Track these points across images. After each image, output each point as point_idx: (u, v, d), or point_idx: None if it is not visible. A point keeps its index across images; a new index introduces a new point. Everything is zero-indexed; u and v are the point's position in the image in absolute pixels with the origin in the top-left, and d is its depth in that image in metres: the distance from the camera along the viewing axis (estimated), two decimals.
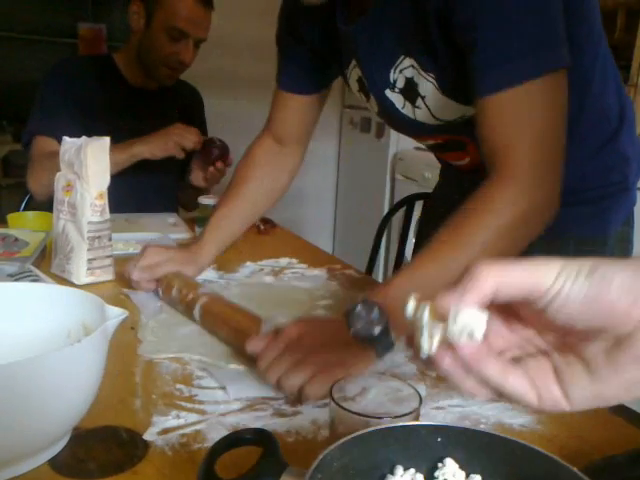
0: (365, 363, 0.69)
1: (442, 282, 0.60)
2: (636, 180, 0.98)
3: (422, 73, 0.84)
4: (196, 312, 0.87)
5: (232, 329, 0.80)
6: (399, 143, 3.27)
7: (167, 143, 1.45)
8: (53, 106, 1.54)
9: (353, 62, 0.95)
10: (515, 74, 0.70)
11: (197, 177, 1.63)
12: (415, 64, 0.84)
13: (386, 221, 1.82)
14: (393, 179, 3.35)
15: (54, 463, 0.56)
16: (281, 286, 1.09)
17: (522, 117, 0.72)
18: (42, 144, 1.51)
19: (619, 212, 0.98)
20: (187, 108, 1.76)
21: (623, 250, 0.99)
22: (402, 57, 0.86)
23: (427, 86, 0.85)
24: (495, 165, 0.74)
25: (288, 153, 1.16)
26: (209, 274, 1.12)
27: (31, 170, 1.53)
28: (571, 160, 0.88)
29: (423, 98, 0.87)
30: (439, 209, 1.20)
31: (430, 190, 1.36)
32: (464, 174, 1.05)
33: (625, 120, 0.94)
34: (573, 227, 0.94)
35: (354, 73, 0.97)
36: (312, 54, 1.03)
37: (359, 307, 0.60)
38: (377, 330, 0.59)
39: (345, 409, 0.51)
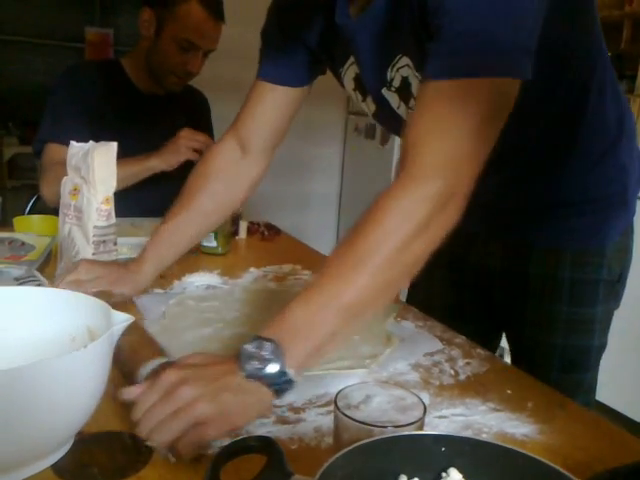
0: (258, 407, 0.60)
1: (340, 305, 0.62)
2: (635, 191, 0.97)
3: (415, 73, 0.82)
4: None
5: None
6: None
7: (179, 149, 1.45)
8: (63, 113, 1.54)
9: (350, 60, 0.94)
10: (460, 68, 0.66)
11: None
12: (410, 63, 0.82)
13: None
14: None
15: (57, 468, 0.56)
16: (284, 292, 1.09)
17: (452, 111, 0.67)
18: (54, 151, 1.52)
19: (618, 223, 0.97)
20: (194, 113, 1.76)
21: (621, 260, 0.98)
22: (400, 55, 0.84)
23: (418, 86, 0.81)
24: (409, 154, 0.68)
25: (250, 162, 1.06)
26: (213, 279, 1.12)
27: (44, 178, 1.53)
28: (571, 171, 0.88)
29: (415, 99, 0.83)
30: None
31: None
32: None
33: (624, 131, 0.93)
34: (571, 238, 0.94)
35: (350, 71, 0.95)
36: (301, 50, 1.00)
37: (250, 346, 0.56)
38: (272, 368, 0.56)
39: (350, 417, 0.51)
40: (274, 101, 1.03)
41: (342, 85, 1.01)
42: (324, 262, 0.66)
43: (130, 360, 0.70)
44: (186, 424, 0.54)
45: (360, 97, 0.98)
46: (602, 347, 1.02)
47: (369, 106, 0.98)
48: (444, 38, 0.67)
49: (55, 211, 1.11)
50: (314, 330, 0.62)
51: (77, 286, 0.88)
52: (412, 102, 0.86)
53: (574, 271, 0.95)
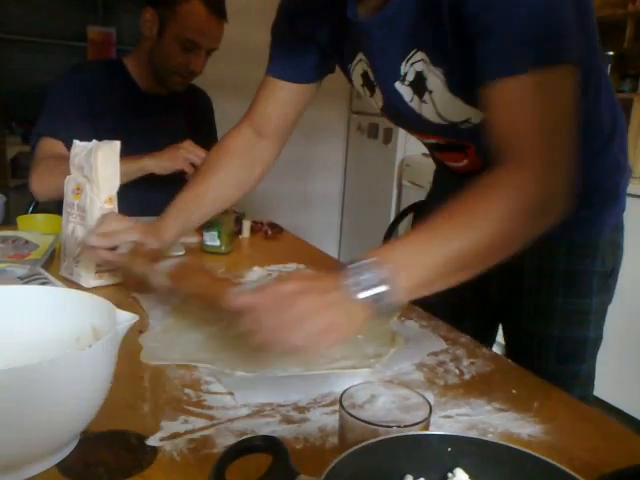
0: (359, 324, 0.65)
1: (450, 253, 0.67)
2: (626, 187, 1.00)
3: (431, 67, 0.84)
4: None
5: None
6: (406, 149, 3.27)
7: (176, 158, 1.45)
8: (61, 109, 1.54)
9: (358, 57, 0.95)
10: (519, 63, 0.69)
11: None
12: (426, 58, 0.84)
13: (393, 228, 1.82)
14: (400, 185, 3.35)
15: (63, 467, 0.56)
16: None
17: (527, 106, 0.71)
18: (47, 146, 1.52)
19: (610, 218, 1.00)
20: (197, 113, 1.76)
21: (614, 255, 1.01)
22: (414, 50, 0.86)
23: (435, 81, 0.85)
24: (503, 153, 0.72)
25: (265, 147, 1.12)
26: None
27: (35, 171, 1.52)
28: None
29: (430, 93, 0.87)
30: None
31: None
32: (460, 178, 1.02)
33: (617, 129, 0.96)
34: (566, 231, 0.90)
35: (359, 68, 0.97)
36: (311, 47, 1.02)
37: (361, 266, 0.61)
38: (379, 289, 0.61)
39: (355, 417, 0.51)
40: (284, 97, 1.07)
41: (349, 80, 1.02)
42: (430, 219, 0.69)
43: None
44: (310, 330, 0.60)
45: (368, 93, 0.99)
46: (598, 339, 1.04)
47: (377, 101, 0.99)
48: (491, 38, 0.69)
49: (58, 210, 1.11)
50: (422, 267, 0.67)
51: (111, 237, 0.96)
52: (426, 96, 0.88)
53: (569, 263, 0.98)
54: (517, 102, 0.71)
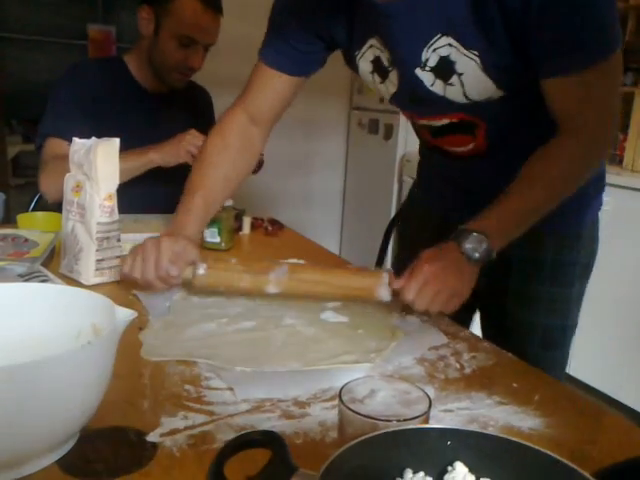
0: (474, 282, 0.91)
1: (531, 215, 0.92)
2: (603, 183, 1.12)
3: (463, 51, 0.87)
4: (279, 274, 0.92)
5: (344, 278, 0.94)
6: (407, 145, 3.26)
7: (179, 150, 1.44)
8: (66, 108, 1.54)
9: (370, 42, 0.96)
10: (575, 65, 0.83)
11: None
12: (454, 42, 0.87)
13: (394, 223, 1.82)
14: (401, 181, 3.34)
15: (63, 464, 0.56)
16: None
17: (582, 94, 0.87)
18: (54, 146, 1.52)
19: (591, 212, 1.11)
20: (197, 109, 1.76)
21: (591, 247, 1.12)
22: (439, 36, 0.88)
23: (467, 63, 0.88)
24: (565, 126, 0.90)
25: (257, 134, 1.14)
26: None
27: (43, 172, 1.53)
28: None
29: (460, 75, 0.90)
30: (418, 209, 1.28)
31: None
32: (457, 164, 1.09)
33: None
34: (554, 223, 1.00)
35: (369, 54, 0.98)
36: (310, 38, 1.03)
37: (471, 239, 0.87)
38: (486, 253, 0.88)
39: (354, 411, 0.50)
40: (277, 87, 1.08)
41: (353, 69, 1.03)
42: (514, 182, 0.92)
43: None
44: (444, 299, 0.86)
45: (378, 79, 1.01)
46: (575, 327, 1.14)
47: (388, 87, 1.01)
48: (548, 39, 0.81)
49: (59, 208, 1.11)
50: (509, 227, 0.91)
51: (180, 258, 0.95)
52: (454, 79, 0.91)
53: (555, 253, 1.07)
54: (573, 93, 0.87)
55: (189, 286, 0.96)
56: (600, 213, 1.14)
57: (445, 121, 1.02)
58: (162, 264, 0.92)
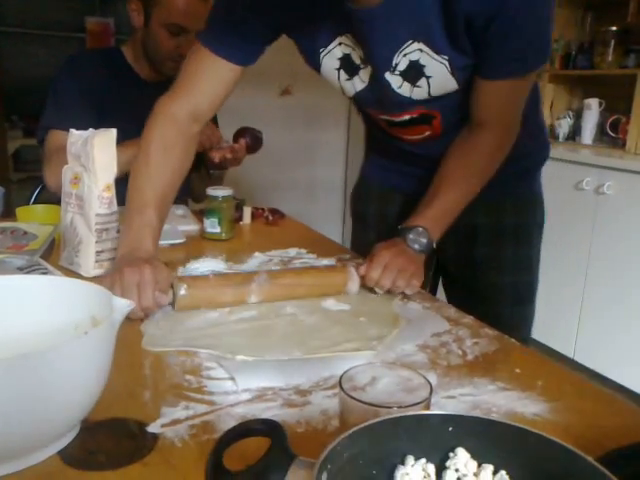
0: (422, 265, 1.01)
1: (453, 206, 1.02)
2: (547, 158, 1.24)
3: (433, 55, 0.92)
4: (259, 282, 0.93)
5: (318, 277, 0.98)
6: None
7: None
8: (67, 100, 1.53)
9: (338, 40, 0.97)
10: (518, 70, 0.94)
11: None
12: (424, 47, 0.91)
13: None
14: None
15: (64, 455, 0.56)
16: None
17: (507, 96, 0.99)
18: (57, 138, 1.51)
19: (539, 177, 1.24)
20: None
21: (542, 208, 1.25)
22: (410, 42, 0.92)
23: (437, 67, 0.93)
24: (481, 122, 1.02)
25: (196, 133, 1.08)
26: (218, 265, 1.11)
27: (47, 165, 1.52)
28: None
29: (428, 78, 0.95)
30: (374, 189, 1.35)
31: None
32: (406, 147, 1.18)
33: (538, 99, 1.20)
34: (511, 188, 1.17)
35: (337, 51, 0.99)
36: (265, 29, 1.00)
37: (413, 233, 0.99)
38: (427, 244, 1.00)
39: (355, 399, 0.50)
40: (225, 78, 1.03)
41: (312, 64, 1.03)
42: (440, 178, 1.04)
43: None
44: (407, 277, 0.95)
45: (345, 76, 1.03)
46: (537, 281, 1.26)
47: (355, 84, 1.03)
48: (504, 45, 0.89)
49: (58, 201, 1.10)
50: (443, 219, 1.02)
51: (161, 287, 0.86)
52: (422, 81, 0.96)
53: (516, 217, 1.18)
54: (502, 93, 0.98)
55: (171, 307, 0.90)
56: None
57: (406, 117, 1.07)
58: (148, 294, 0.83)
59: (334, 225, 4.00)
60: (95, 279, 0.89)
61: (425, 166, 1.18)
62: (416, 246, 0.99)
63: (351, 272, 0.98)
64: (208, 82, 1.03)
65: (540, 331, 2.86)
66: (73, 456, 0.56)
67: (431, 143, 1.12)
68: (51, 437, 0.55)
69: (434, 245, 1.01)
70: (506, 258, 1.20)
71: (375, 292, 0.98)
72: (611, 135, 2.92)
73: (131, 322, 0.81)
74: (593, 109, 2.96)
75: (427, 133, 1.10)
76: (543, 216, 1.26)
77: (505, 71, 0.94)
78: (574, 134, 3.12)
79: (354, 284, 0.98)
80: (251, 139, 1.57)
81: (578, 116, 3.10)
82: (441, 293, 1.35)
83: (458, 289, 1.28)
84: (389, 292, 0.97)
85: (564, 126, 3.13)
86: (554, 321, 2.79)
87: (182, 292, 0.89)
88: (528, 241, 1.23)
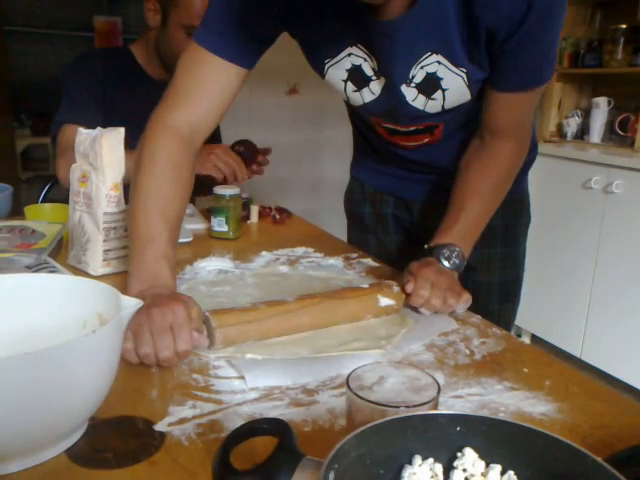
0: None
1: (479, 221, 1.02)
2: (537, 152, 1.24)
3: (452, 68, 0.91)
4: (299, 311, 0.82)
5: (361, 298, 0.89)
6: None
7: (206, 163, 1.43)
8: (79, 96, 1.54)
9: (348, 51, 0.93)
10: (531, 84, 0.94)
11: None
12: (443, 60, 0.90)
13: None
14: None
15: (71, 453, 0.56)
16: (296, 275, 1.09)
17: (521, 107, 1.00)
18: (71, 133, 1.51)
19: (526, 178, 1.27)
20: None
21: (529, 208, 1.27)
22: (428, 54, 0.90)
23: (454, 80, 0.92)
24: (496, 133, 1.01)
25: (197, 150, 0.96)
26: (225, 264, 1.12)
27: (60, 159, 1.52)
28: None
29: (444, 91, 0.94)
30: (365, 188, 1.36)
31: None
32: (399, 154, 1.17)
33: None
34: None
35: (345, 62, 0.95)
36: (271, 32, 0.94)
37: (446, 251, 0.96)
38: (460, 261, 0.96)
39: (362, 398, 0.50)
40: (231, 83, 0.94)
41: (318, 71, 1.00)
42: (461, 194, 1.03)
43: None
44: (455, 295, 0.90)
45: (352, 87, 1.00)
46: (522, 277, 1.29)
47: (364, 96, 1.01)
48: (520, 62, 0.89)
49: (67, 199, 1.11)
50: (471, 233, 1.00)
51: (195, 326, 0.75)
52: (437, 94, 0.95)
53: (505, 218, 1.18)
54: (519, 104, 0.98)
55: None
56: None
57: (412, 128, 1.07)
58: (186, 337, 0.71)
59: (341, 224, 3.99)
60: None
61: (418, 170, 1.21)
62: (450, 265, 0.96)
63: (396, 291, 0.91)
64: (213, 89, 0.93)
65: (547, 330, 2.85)
66: (80, 454, 0.56)
67: (427, 149, 1.12)
68: (58, 435, 0.55)
69: (465, 262, 0.98)
70: (495, 258, 1.22)
71: (419, 312, 0.91)
72: (620, 134, 2.91)
73: None
74: (602, 107, 2.95)
75: (426, 140, 1.10)
76: (529, 216, 1.28)
77: (522, 83, 0.94)
78: (582, 133, 3.11)
79: (398, 303, 0.91)
80: (249, 152, 1.55)
81: (586, 115, 3.09)
82: None
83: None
84: (435, 312, 0.91)
85: (572, 125, 3.12)
86: (561, 320, 2.78)
87: (218, 335, 0.76)
88: (515, 241, 1.25)
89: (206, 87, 0.93)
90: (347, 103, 1.22)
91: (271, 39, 0.97)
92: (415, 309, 0.91)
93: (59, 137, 1.54)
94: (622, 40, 2.81)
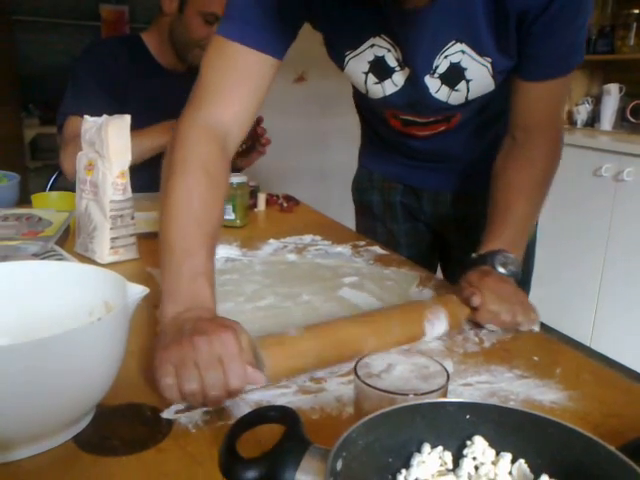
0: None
1: (526, 223, 0.95)
2: None
3: (476, 57, 0.89)
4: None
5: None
6: None
7: None
8: (86, 86, 1.53)
9: (370, 42, 0.91)
10: (562, 69, 0.91)
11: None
12: (467, 49, 0.88)
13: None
14: None
15: (79, 440, 0.56)
16: (305, 263, 1.08)
17: (554, 96, 0.96)
18: (75, 124, 1.50)
19: None
20: None
21: None
22: (453, 42, 0.88)
23: (479, 70, 0.90)
24: (537, 128, 0.96)
25: (232, 153, 0.88)
26: (232, 252, 1.11)
27: (64, 151, 1.52)
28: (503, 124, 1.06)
29: (468, 82, 0.92)
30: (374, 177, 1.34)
31: None
32: (409, 144, 1.15)
33: None
34: None
35: (367, 54, 0.93)
36: (298, 22, 0.90)
37: (500, 257, 0.87)
38: (516, 267, 0.88)
39: (370, 386, 0.49)
40: (266, 76, 0.87)
41: (338, 64, 0.98)
42: (505, 200, 0.96)
43: None
44: (525, 311, 0.82)
45: (374, 79, 0.97)
46: (533, 264, 1.26)
47: (386, 88, 0.98)
48: (545, 48, 0.86)
49: (74, 188, 1.11)
50: (521, 239, 0.93)
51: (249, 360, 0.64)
52: (461, 85, 0.93)
53: None
54: (552, 94, 0.94)
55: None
56: None
57: (432, 119, 1.05)
58: (239, 372, 0.60)
59: (348, 211, 3.97)
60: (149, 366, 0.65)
61: (427, 158, 1.19)
62: (507, 272, 0.86)
63: (460, 305, 0.82)
64: (245, 84, 0.86)
65: (557, 319, 2.84)
66: (88, 441, 0.56)
67: (441, 137, 1.10)
68: (66, 422, 0.55)
69: (520, 268, 0.90)
70: None
71: (486, 329, 0.82)
72: (631, 121, 2.87)
73: (146, 308, 0.81)
74: (613, 94, 2.91)
75: (442, 129, 1.08)
76: None
77: (552, 70, 0.90)
78: (593, 120, 3.08)
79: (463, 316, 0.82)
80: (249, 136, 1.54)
81: (597, 102, 3.05)
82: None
83: (458, 275, 1.28)
84: (502, 329, 0.82)
85: (583, 112, 3.08)
86: (571, 309, 2.76)
87: (267, 373, 0.65)
88: None
89: (238, 82, 0.86)
90: (356, 96, 1.21)
91: (298, 27, 0.91)
92: (476, 323, 0.82)
93: (64, 129, 1.53)
94: (635, 25, 2.77)
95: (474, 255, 0.91)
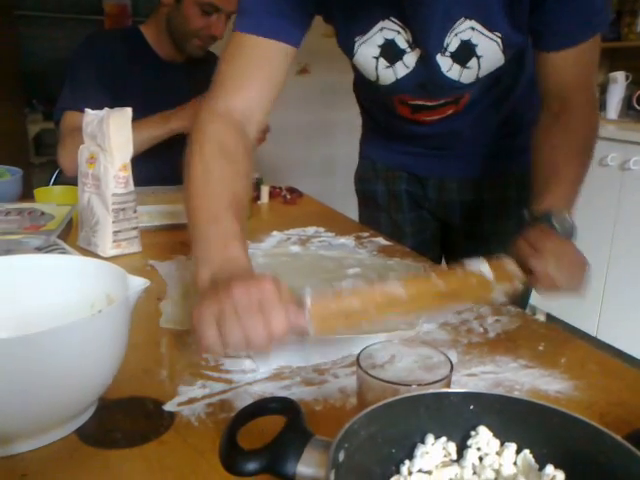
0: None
1: (576, 185, 0.91)
2: None
3: (486, 33, 0.89)
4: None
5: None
6: None
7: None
8: (84, 81, 1.52)
9: (380, 25, 0.92)
10: (582, 35, 0.88)
11: None
12: (477, 25, 0.88)
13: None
14: None
15: (81, 433, 0.56)
16: (308, 255, 1.07)
17: (580, 66, 0.92)
18: (72, 119, 1.50)
19: None
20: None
21: None
22: (462, 19, 0.88)
23: (489, 45, 0.90)
24: (571, 100, 0.93)
25: (252, 140, 0.89)
26: None
27: (62, 145, 1.52)
28: (516, 98, 1.11)
29: (479, 58, 0.92)
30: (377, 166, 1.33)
31: None
32: (414, 131, 1.15)
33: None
34: (514, 163, 1.16)
35: (377, 38, 0.93)
36: (310, 10, 0.90)
37: (559, 218, 0.82)
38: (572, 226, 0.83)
39: (373, 377, 0.49)
40: (282, 64, 0.89)
41: (346, 52, 0.98)
42: (553, 164, 0.92)
43: None
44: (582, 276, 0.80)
45: (385, 63, 0.97)
46: None
47: (397, 71, 0.98)
48: (561, 14, 0.85)
49: (76, 182, 1.10)
50: (574, 199, 0.89)
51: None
52: (472, 62, 0.93)
53: (518, 192, 1.17)
54: (573, 62, 0.91)
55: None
56: None
57: (442, 101, 1.04)
58: (280, 315, 0.59)
59: (352, 203, 3.97)
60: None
61: (434, 145, 1.19)
62: (563, 230, 0.82)
63: (514, 268, 0.76)
64: (262, 73, 0.88)
65: (562, 309, 2.83)
66: (90, 434, 0.56)
67: (448, 122, 1.09)
68: (68, 415, 0.55)
69: (572, 223, 0.86)
70: (509, 232, 1.16)
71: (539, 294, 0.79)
72: (638, 109, 2.85)
73: (148, 300, 0.81)
74: (619, 82, 2.88)
75: (450, 112, 1.07)
76: None
77: (572, 36, 0.88)
78: (599, 109, 3.05)
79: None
80: None
81: (603, 90, 3.02)
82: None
83: (460, 261, 1.27)
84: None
85: None
86: (577, 299, 2.75)
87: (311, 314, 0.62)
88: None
89: (253, 69, 0.87)
90: (358, 87, 1.19)
91: (311, 15, 0.91)
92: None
93: (61, 124, 1.53)
94: None
95: (525, 212, 0.87)
